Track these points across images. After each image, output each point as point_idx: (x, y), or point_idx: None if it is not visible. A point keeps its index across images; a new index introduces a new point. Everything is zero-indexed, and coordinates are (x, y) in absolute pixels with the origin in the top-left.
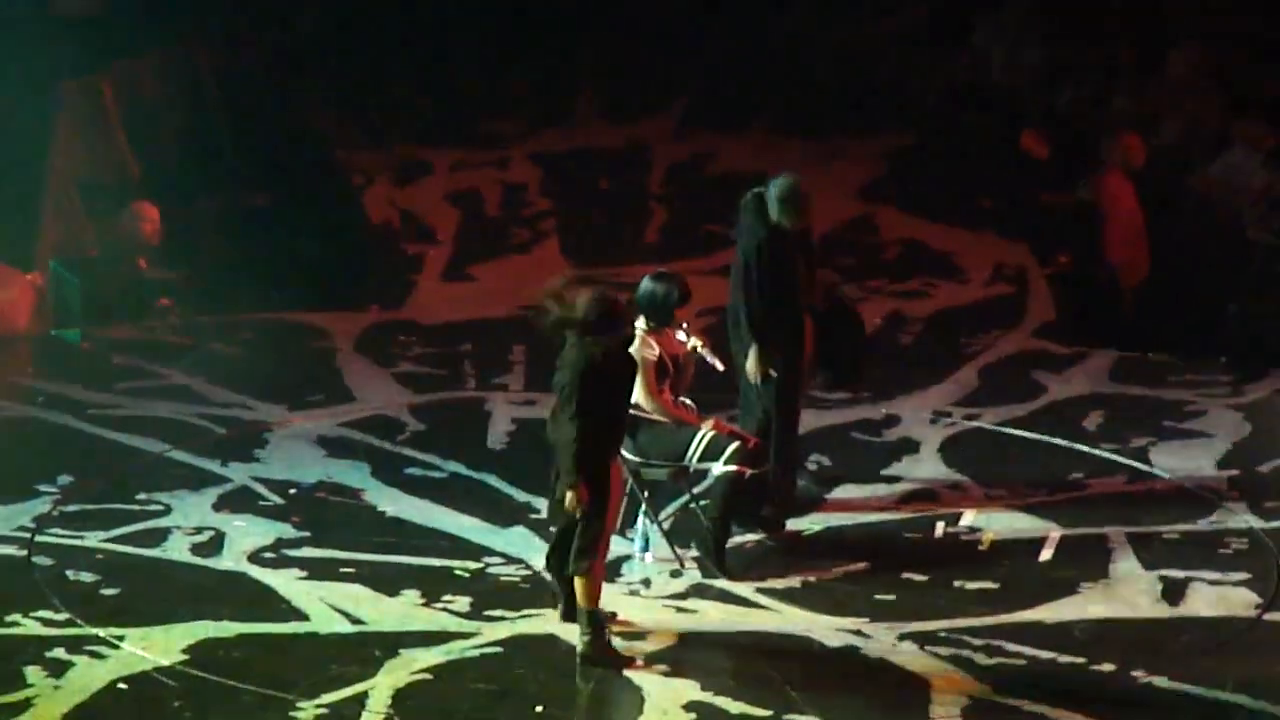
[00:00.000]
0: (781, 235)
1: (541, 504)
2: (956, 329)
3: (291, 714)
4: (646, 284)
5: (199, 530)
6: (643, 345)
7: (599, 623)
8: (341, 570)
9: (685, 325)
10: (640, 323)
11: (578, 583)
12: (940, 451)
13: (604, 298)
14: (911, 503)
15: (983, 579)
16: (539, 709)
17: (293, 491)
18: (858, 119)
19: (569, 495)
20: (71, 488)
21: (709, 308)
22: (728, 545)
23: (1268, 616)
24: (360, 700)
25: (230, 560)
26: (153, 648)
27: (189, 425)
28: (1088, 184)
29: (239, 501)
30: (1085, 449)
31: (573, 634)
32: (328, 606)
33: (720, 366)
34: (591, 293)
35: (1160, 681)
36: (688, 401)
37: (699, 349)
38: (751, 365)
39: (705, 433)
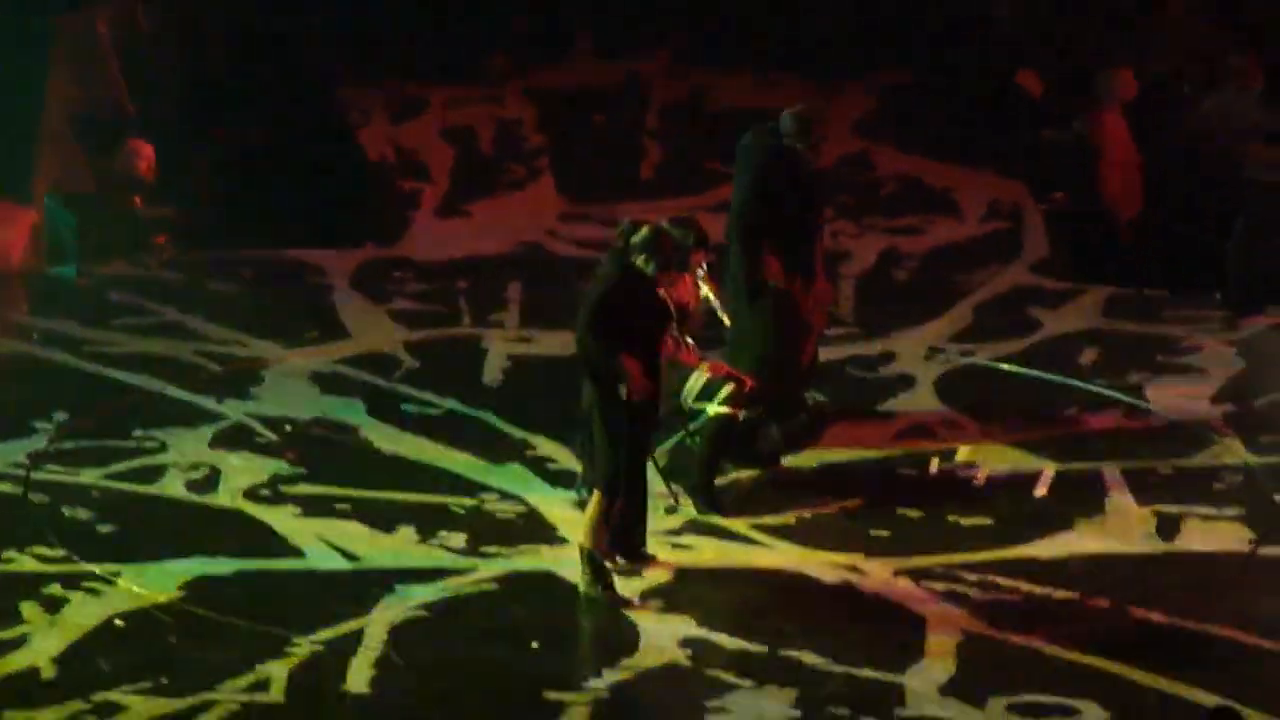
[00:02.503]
0: (794, 156)
1: (538, 441)
2: (952, 265)
3: (287, 650)
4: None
5: (195, 467)
6: None
7: (599, 563)
8: (337, 507)
9: (704, 271)
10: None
11: (586, 520)
12: (935, 387)
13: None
14: (907, 439)
15: (977, 515)
16: (534, 645)
17: (288, 429)
18: (854, 55)
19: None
20: (67, 425)
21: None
22: (723, 482)
23: (1261, 551)
24: (356, 637)
25: (226, 497)
26: (149, 584)
27: (185, 362)
28: (1082, 120)
29: (235, 439)
30: (1080, 385)
31: (569, 570)
32: (324, 543)
33: (727, 321)
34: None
35: (1154, 616)
36: (689, 341)
37: (710, 299)
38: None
39: (702, 373)
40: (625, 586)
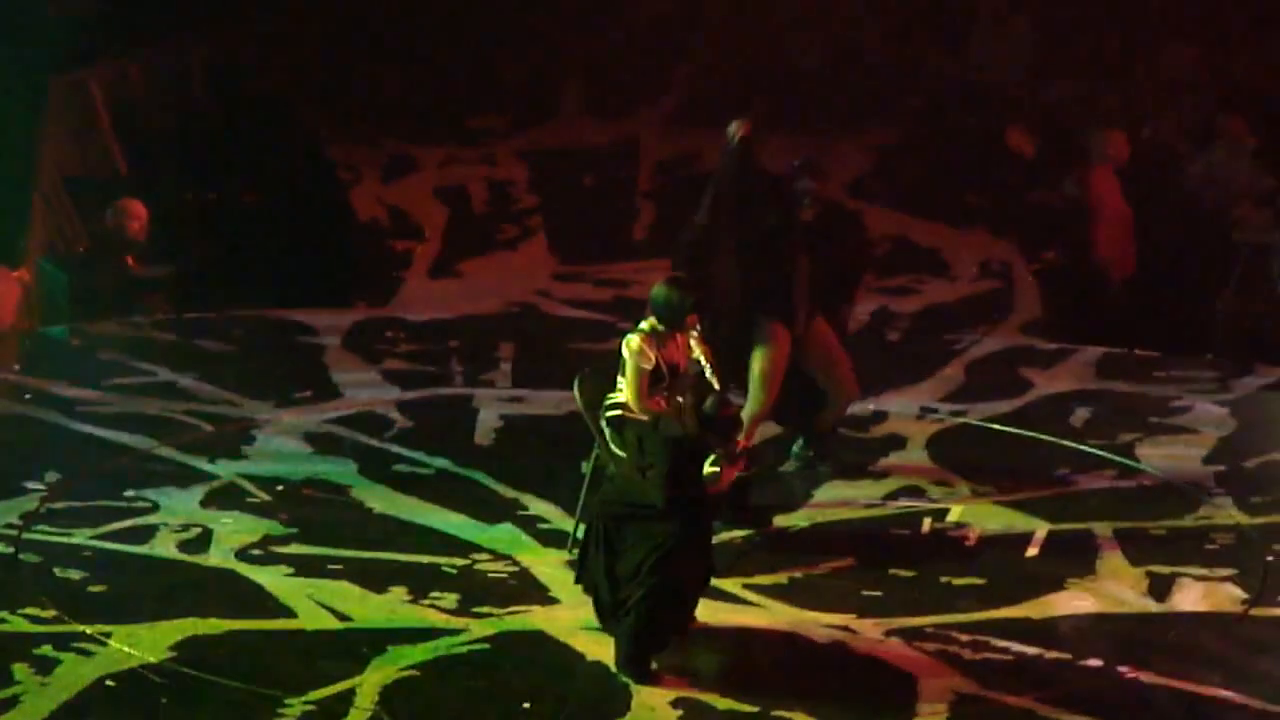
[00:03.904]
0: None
1: (530, 501)
2: (943, 325)
3: (279, 711)
4: (658, 288)
5: (186, 527)
6: (640, 355)
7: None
8: (329, 567)
9: (697, 332)
10: (645, 324)
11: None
12: (927, 447)
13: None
14: (898, 498)
15: (969, 575)
16: (526, 706)
17: (280, 488)
18: (845, 115)
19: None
20: (59, 485)
21: None
22: (714, 542)
23: (1254, 612)
24: (347, 697)
25: (217, 557)
26: (140, 645)
27: (176, 422)
28: (1075, 180)
29: (226, 498)
30: (1072, 445)
31: (560, 630)
32: (315, 603)
33: (716, 385)
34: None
35: (1147, 677)
36: (680, 401)
37: (701, 363)
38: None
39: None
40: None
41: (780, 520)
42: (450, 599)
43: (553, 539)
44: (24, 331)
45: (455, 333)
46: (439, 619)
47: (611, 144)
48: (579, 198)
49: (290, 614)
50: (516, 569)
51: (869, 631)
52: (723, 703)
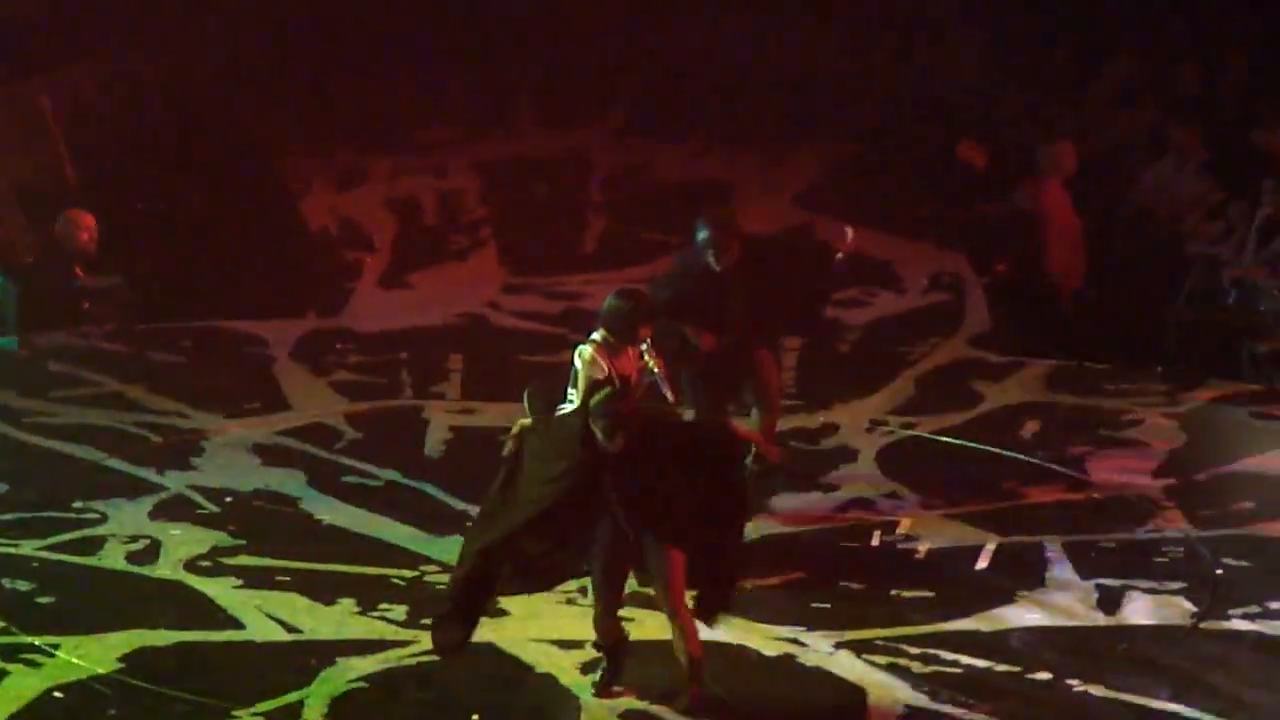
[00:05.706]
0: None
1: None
2: (894, 337)
3: None
4: (610, 300)
5: (135, 538)
6: (593, 366)
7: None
8: (278, 579)
9: (648, 344)
10: (598, 335)
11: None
12: (877, 460)
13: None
14: (848, 511)
15: (919, 587)
16: (475, 717)
17: (229, 500)
18: (796, 128)
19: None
20: (7, 496)
21: None
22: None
23: (1203, 625)
24: (296, 710)
25: (166, 569)
26: (88, 656)
27: (125, 433)
28: (1025, 192)
29: (175, 510)
30: (1022, 458)
31: (508, 642)
32: (264, 615)
33: (671, 397)
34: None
35: (1096, 690)
36: None
37: (654, 373)
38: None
39: None
40: (566, 659)
41: None
42: (399, 610)
43: None
44: None
45: (405, 344)
46: (388, 630)
47: (561, 155)
48: (529, 209)
49: (239, 625)
50: None
51: (818, 644)
52: (672, 715)
